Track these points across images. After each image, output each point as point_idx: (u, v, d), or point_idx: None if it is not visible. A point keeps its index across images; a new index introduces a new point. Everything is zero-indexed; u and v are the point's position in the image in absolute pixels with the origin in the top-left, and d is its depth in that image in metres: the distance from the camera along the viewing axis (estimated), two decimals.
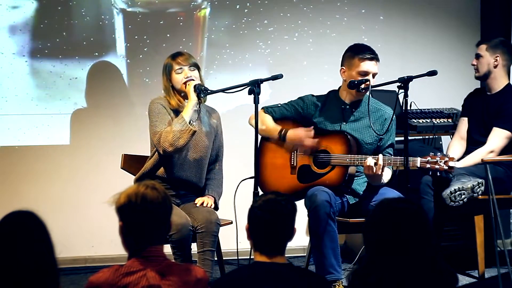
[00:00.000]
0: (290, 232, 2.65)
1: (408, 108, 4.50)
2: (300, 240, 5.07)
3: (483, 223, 4.46)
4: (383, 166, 3.91)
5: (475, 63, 4.65)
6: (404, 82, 3.85)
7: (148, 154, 4.22)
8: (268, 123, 4.23)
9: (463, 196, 4.27)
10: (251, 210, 2.66)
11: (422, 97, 5.09)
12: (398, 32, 5.60)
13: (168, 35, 5.28)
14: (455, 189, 4.26)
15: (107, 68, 5.23)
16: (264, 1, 5.40)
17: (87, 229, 5.15)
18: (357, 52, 4.13)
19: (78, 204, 5.14)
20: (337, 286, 3.95)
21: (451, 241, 5.00)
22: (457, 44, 5.64)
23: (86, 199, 5.10)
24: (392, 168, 4.19)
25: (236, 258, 4.27)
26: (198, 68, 4.19)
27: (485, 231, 4.47)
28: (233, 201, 4.16)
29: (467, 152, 4.60)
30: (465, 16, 5.68)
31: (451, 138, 4.82)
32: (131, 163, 4.35)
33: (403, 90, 3.85)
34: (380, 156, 3.92)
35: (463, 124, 4.73)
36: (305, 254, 4.74)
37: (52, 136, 5.17)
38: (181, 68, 4.13)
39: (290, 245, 2.67)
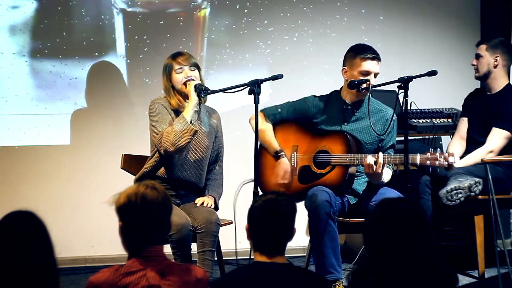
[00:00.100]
0: (290, 232, 2.65)
1: (408, 108, 4.50)
2: (300, 240, 5.07)
3: (483, 223, 4.46)
4: (383, 164, 3.91)
5: (475, 63, 4.65)
6: (404, 82, 3.85)
7: (148, 154, 4.22)
8: (267, 135, 4.24)
9: (460, 195, 4.26)
10: (251, 210, 2.66)
11: (422, 97, 5.08)
12: (398, 32, 5.60)
13: (168, 35, 5.28)
14: (451, 188, 4.26)
15: (107, 68, 5.23)
16: (264, 1, 5.40)
17: (87, 229, 5.15)
18: (359, 51, 4.13)
19: (78, 204, 5.15)
20: (337, 286, 3.95)
21: (451, 241, 5.00)
22: (457, 44, 5.64)
23: (86, 199, 5.10)
24: (392, 168, 4.19)
25: (235, 258, 4.28)
26: (199, 68, 4.19)
27: (485, 231, 4.46)
28: (233, 202, 4.16)
29: (467, 152, 4.60)
30: (465, 16, 5.68)
31: (451, 138, 4.82)
32: (131, 163, 4.35)
33: (403, 90, 3.85)
34: (380, 154, 3.92)
35: (463, 124, 4.73)
36: (305, 254, 4.74)
37: (52, 136, 5.17)
38: (181, 68, 4.13)
39: (290, 245, 2.67)
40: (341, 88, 4.26)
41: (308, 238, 4.18)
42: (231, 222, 4.24)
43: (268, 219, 2.61)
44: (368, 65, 4.10)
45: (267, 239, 2.62)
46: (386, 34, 5.54)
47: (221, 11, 5.36)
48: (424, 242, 2.37)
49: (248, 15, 5.38)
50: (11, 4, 5.09)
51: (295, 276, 2.59)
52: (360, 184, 4.19)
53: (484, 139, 4.54)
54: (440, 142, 5.23)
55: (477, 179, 4.29)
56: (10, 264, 2.25)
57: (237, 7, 5.37)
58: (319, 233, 3.95)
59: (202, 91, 4.05)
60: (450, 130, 4.99)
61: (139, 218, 2.51)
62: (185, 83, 4.11)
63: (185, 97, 4.13)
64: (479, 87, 4.94)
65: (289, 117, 4.26)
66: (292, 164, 4.20)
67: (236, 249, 4.13)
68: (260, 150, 4.22)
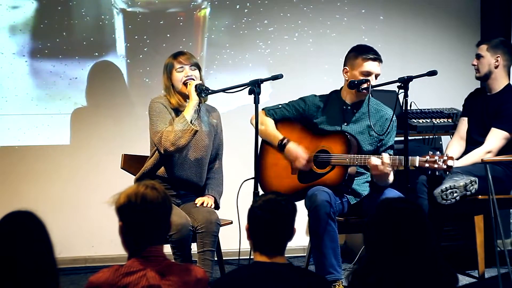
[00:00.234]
0: (290, 232, 2.65)
1: (408, 108, 4.50)
2: (300, 240, 5.07)
3: (483, 223, 4.46)
4: (391, 165, 3.90)
5: (476, 63, 4.64)
6: (404, 82, 3.85)
7: (148, 154, 4.22)
8: (269, 128, 4.23)
9: (455, 194, 4.25)
10: (251, 210, 2.66)
11: (422, 97, 5.09)
12: (398, 32, 5.60)
13: (168, 35, 5.28)
14: (446, 188, 4.25)
15: (107, 68, 5.23)
16: (264, 1, 5.40)
17: (87, 229, 5.15)
18: (361, 52, 4.13)
19: (78, 204, 5.14)
20: (337, 286, 3.95)
21: (451, 241, 5.00)
22: (457, 44, 5.64)
23: (86, 199, 5.10)
24: (393, 169, 4.19)
25: (237, 258, 4.27)
26: (199, 68, 4.19)
27: (485, 231, 4.46)
28: (236, 202, 4.16)
29: (466, 152, 4.60)
30: (465, 16, 5.68)
31: (451, 138, 4.82)
32: (131, 163, 4.35)
33: (403, 90, 3.85)
34: (385, 155, 3.92)
35: (463, 124, 4.73)
36: (305, 254, 4.74)
37: (52, 136, 5.17)
38: (182, 67, 4.14)
39: (290, 245, 2.67)
40: (341, 88, 4.26)
41: (308, 238, 4.18)
42: (231, 222, 4.24)
43: (268, 219, 2.61)
44: (370, 66, 4.10)
45: (267, 239, 2.62)
46: (386, 34, 5.54)
47: (221, 11, 5.36)
48: (424, 242, 2.37)
49: (248, 15, 5.38)
50: (11, 4, 5.09)
51: (295, 276, 2.59)
52: (360, 184, 4.19)
53: (483, 139, 4.54)
54: (440, 142, 5.23)
55: (473, 178, 4.28)
56: (10, 264, 2.25)
57: (237, 7, 5.37)
58: (319, 233, 3.95)
59: (203, 91, 4.05)
60: (450, 130, 4.99)
61: (139, 218, 2.51)
62: (185, 83, 4.11)
63: (185, 96, 4.13)
64: (479, 87, 4.93)
65: (290, 115, 4.26)
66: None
67: (240, 249, 4.12)
68: (262, 149, 4.22)
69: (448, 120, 5.03)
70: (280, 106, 4.29)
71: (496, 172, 4.42)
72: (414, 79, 3.86)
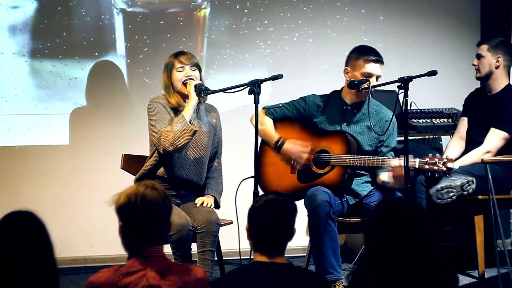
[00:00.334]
0: (290, 233, 2.65)
1: (408, 108, 4.50)
2: (300, 240, 5.07)
3: (483, 223, 4.46)
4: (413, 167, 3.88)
5: (476, 63, 4.64)
6: (404, 82, 3.84)
7: (148, 154, 4.22)
8: (267, 128, 4.23)
9: (451, 194, 4.23)
10: (252, 210, 2.66)
11: (422, 97, 5.08)
12: (398, 32, 5.60)
13: (168, 35, 5.28)
14: (441, 187, 4.23)
15: (107, 68, 5.23)
16: (264, 1, 5.40)
17: (87, 229, 5.15)
18: (363, 53, 4.12)
19: (78, 204, 5.14)
20: (337, 286, 3.95)
21: (451, 241, 4.99)
22: (457, 44, 5.64)
23: (86, 199, 5.10)
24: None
25: (238, 258, 4.28)
26: (199, 69, 4.19)
27: (485, 231, 4.46)
28: (234, 201, 4.16)
29: (466, 152, 4.60)
30: (465, 16, 5.68)
31: (451, 138, 4.82)
32: (131, 163, 4.35)
33: (403, 90, 3.84)
34: (411, 156, 3.89)
35: (463, 124, 4.73)
36: (305, 254, 4.74)
37: (52, 136, 5.17)
38: (182, 66, 4.14)
39: (290, 245, 2.67)
40: (342, 88, 4.26)
41: (308, 238, 4.18)
42: (231, 222, 4.24)
43: (269, 219, 2.60)
44: (371, 67, 4.10)
45: (267, 239, 2.62)
46: (386, 34, 5.54)
47: (221, 11, 5.36)
48: (424, 241, 2.37)
49: (248, 15, 5.38)
50: (11, 4, 5.09)
51: (295, 276, 2.59)
52: (359, 185, 4.19)
53: (483, 139, 4.53)
54: (440, 142, 5.23)
55: (470, 178, 4.24)
56: (10, 264, 2.25)
57: (237, 7, 5.37)
58: (319, 233, 3.95)
59: (202, 91, 4.06)
60: (450, 130, 4.99)
61: (139, 218, 2.51)
62: (184, 83, 4.11)
63: (184, 96, 4.13)
64: (479, 87, 4.93)
65: (290, 114, 4.25)
66: (292, 162, 4.19)
67: (240, 249, 4.12)
68: (261, 149, 4.22)
69: (448, 120, 5.03)
70: (280, 105, 4.29)
71: (496, 172, 4.41)
72: (414, 79, 3.86)
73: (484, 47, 4.61)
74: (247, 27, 5.39)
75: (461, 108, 4.87)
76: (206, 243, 3.99)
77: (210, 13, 5.35)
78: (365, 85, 4.08)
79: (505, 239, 4.82)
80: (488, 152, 4.47)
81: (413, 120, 4.96)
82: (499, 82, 4.61)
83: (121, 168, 4.34)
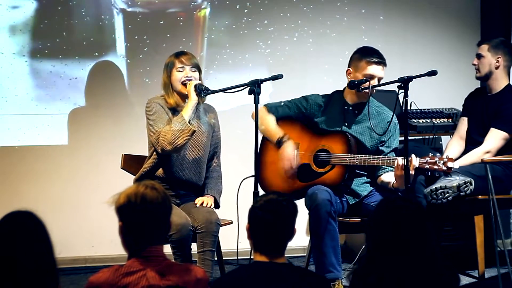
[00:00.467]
0: (290, 233, 2.65)
1: (408, 108, 4.50)
2: (300, 240, 5.07)
3: (483, 223, 4.46)
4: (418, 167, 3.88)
5: (476, 63, 4.64)
6: (404, 82, 3.84)
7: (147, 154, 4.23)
8: (270, 124, 4.22)
9: (446, 195, 4.21)
10: (252, 210, 2.66)
11: (422, 97, 5.09)
12: (398, 32, 5.60)
13: (168, 35, 5.28)
14: (436, 188, 4.22)
15: (107, 68, 5.23)
16: (264, 1, 5.40)
17: (87, 229, 5.15)
18: (365, 55, 4.12)
19: (78, 204, 5.14)
20: (337, 285, 3.95)
21: (451, 241, 5.00)
22: (457, 44, 5.64)
23: (86, 199, 5.10)
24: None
25: (236, 258, 4.28)
26: (199, 70, 4.19)
27: (485, 231, 4.46)
28: (236, 202, 4.15)
29: (466, 152, 4.60)
30: (465, 16, 5.68)
31: (451, 138, 4.82)
32: (131, 163, 4.35)
33: (403, 90, 3.84)
34: (413, 156, 3.89)
35: (463, 124, 4.73)
36: (305, 254, 4.74)
37: (52, 136, 5.17)
38: (183, 67, 4.14)
39: (290, 245, 2.67)
40: (344, 88, 4.26)
41: (308, 238, 4.18)
42: (231, 222, 4.24)
43: (269, 220, 2.60)
44: (373, 69, 4.10)
45: (267, 239, 2.62)
46: (386, 34, 5.54)
47: (221, 11, 5.36)
48: (424, 241, 2.37)
49: (248, 15, 5.38)
50: (11, 4, 5.09)
51: (295, 276, 2.59)
52: (359, 185, 4.19)
53: (483, 139, 4.53)
54: (440, 142, 5.23)
55: (468, 179, 4.23)
56: (10, 264, 2.25)
57: (237, 7, 5.37)
58: (319, 231, 3.95)
59: (202, 91, 4.06)
60: (450, 130, 4.99)
61: (139, 218, 2.51)
62: (184, 83, 4.11)
63: (183, 96, 4.13)
64: (479, 87, 4.93)
65: (291, 113, 4.25)
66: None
67: (237, 249, 4.12)
68: (262, 148, 4.22)
69: (448, 120, 5.03)
70: (282, 103, 4.28)
71: (496, 172, 4.41)
72: (414, 79, 3.85)
73: (485, 47, 4.61)
74: (247, 27, 5.39)
75: (461, 108, 4.86)
76: (206, 243, 3.99)
77: (210, 13, 5.35)
78: (366, 85, 4.08)
79: (505, 239, 4.82)
80: (488, 152, 4.47)
81: (413, 120, 4.97)
82: (499, 82, 4.61)
83: (121, 168, 4.34)
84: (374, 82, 4.09)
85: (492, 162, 4.39)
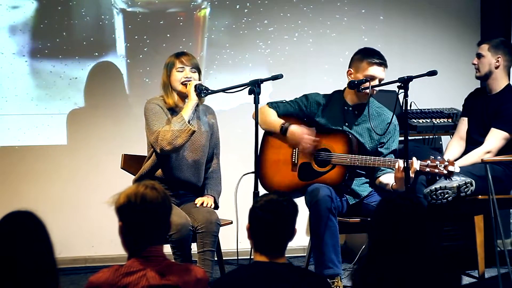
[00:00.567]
0: (291, 233, 2.65)
1: (408, 108, 4.50)
2: (300, 240, 5.07)
3: (483, 223, 4.46)
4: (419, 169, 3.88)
5: (476, 63, 4.63)
6: (404, 82, 3.84)
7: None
8: (271, 116, 4.22)
9: (446, 195, 4.20)
10: (252, 210, 2.66)
11: (422, 97, 5.08)
12: (398, 32, 5.60)
13: (168, 35, 5.28)
14: (436, 188, 4.20)
15: (107, 68, 5.23)
16: (264, 1, 5.40)
17: (87, 229, 5.15)
18: (367, 55, 4.12)
19: (78, 204, 5.14)
20: (336, 282, 3.94)
21: (451, 241, 4.99)
22: (457, 44, 5.64)
23: (86, 199, 5.10)
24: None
25: (236, 258, 4.27)
26: (199, 71, 4.19)
27: (485, 231, 4.46)
28: (235, 200, 4.15)
29: (466, 152, 4.60)
30: (465, 16, 5.68)
31: (451, 138, 4.81)
32: (131, 163, 4.35)
33: (403, 90, 3.84)
34: (414, 159, 3.89)
35: (463, 124, 4.73)
36: (305, 254, 4.74)
37: (52, 136, 5.17)
38: (183, 67, 4.14)
39: (290, 245, 2.67)
40: (344, 88, 4.26)
41: (308, 238, 4.18)
42: (231, 222, 4.24)
43: (270, 220, 2.60)
44: (374, 70, 4.09)
45: (268, 239, 2.62)
46: (386, 34, 5.54)
47: (221, 11, 5.36)
48: (424, 240, 2.37)
49: (248, 15, 5.38)
50: (11, 4, 5.09)
51: (295, 276, 2.59)
52: (359, 185, 4.19)
53: (483, 140, 4.52)
54: (440, 142, 5.23)
55: (469, 180, 4.21)
56: (10, 264, 2.25)
57: (237, 7, 5.37)
58: (320, 228, 3.95)
59: (202, 91, 4.05)
60: (450, 130, 4.99)
61: (139, 218, 2.51)
62: (183, 83, 4.11)
63: (182, 96, 4.13)
64: (479, 87, 4.93)
65: (292, 111, 4.24)
66: (293, 160, 4.18)
67: (237, 249, 4.12)
68: (262, 146, 4.22)
69: (448, 120, 5.03)
70: (284, 101, 4.29)
71: (496, 172, 4.41)
72: (414, 79, 3.85)
73: (485, 46, 4.61)
74: (247, 27, 5.39)
75: (461, 108, 4.86)
76: (206, 243, 3.99)
77: (210, 13, 5.35)
78: (365, 85, 4.07)
79: (505, 239, 4.82)
80: (488, 152, 4.47)
81: (413, 120, 4.96)
82: (499, 82, 4.60)
83: (121, 168, 4.34)
84: (375, 82, 4.09)
85: (492, 162, 4.39)
